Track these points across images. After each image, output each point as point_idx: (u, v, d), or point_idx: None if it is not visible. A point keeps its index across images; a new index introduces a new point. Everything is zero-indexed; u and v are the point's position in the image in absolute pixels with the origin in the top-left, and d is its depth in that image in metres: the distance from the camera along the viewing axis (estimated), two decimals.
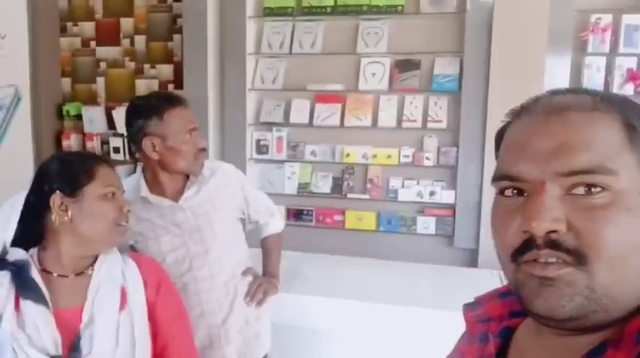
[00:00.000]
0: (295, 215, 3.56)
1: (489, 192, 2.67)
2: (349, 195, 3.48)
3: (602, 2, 3.06)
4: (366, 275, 2.35)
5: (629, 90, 3.02)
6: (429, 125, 3.33)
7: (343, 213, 3.49)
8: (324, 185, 3.54)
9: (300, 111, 3.53)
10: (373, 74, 3.40)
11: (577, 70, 3.10)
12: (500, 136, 0.61)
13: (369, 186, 3.47)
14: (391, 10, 3.30)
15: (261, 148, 3.61)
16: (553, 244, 0.52)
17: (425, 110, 3.35)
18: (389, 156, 3.37)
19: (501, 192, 0.57)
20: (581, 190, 0.52)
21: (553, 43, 3.02)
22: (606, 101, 0.55)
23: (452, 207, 3.33)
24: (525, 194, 0.55)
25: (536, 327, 0.59)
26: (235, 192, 1.78)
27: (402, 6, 3.29)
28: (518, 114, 0.60)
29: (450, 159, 3.31)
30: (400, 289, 2.18)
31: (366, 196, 3.45)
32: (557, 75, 3.05)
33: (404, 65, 3.36)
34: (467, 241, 3.29)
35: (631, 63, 3.01)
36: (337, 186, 3.53)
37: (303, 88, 3.47)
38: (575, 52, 3.07)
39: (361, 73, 3.41)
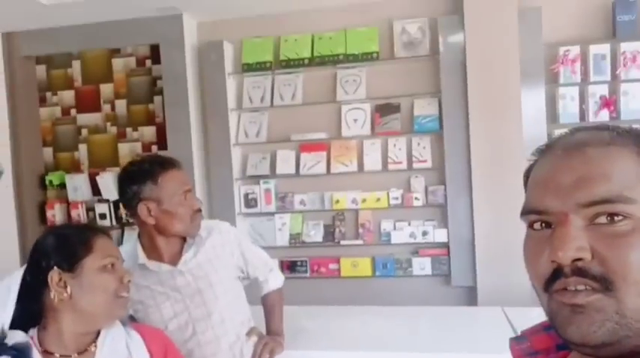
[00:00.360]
0: (289, 266, 3.52)
1: (481, 228, 2.70)
2: (342, 242, 3.46)
3: (568, 35, 3.18)
4: (370, 323, 2.30)
5: (604, 116, 3.10)
6: (415, 165, 3.37)
7: (338, 260, 3.45)
8: (315, 234, 3.52)
9: (286, 162, 3.55)
10: (355, 120, 3.45)
11: (552, 102, 3.19)
12: (527, 174, 0.65)
13: (361, 231, 3.46)
14: (367, 57, 3.39)
15: (250, 202, 3.59)
16: (580, 272, 0.54)
17: (409, 151, 3.39)
18: (378, 200, 3.38)
19: (530, 226, 0.60)
20: (603, 219, 0.54)
21: (526, 77, 3.11)
22: (623, 135, 0.58)
23: (446, 246, 3.32)
24: (552, 226, 0.57)
25: None
26: (233, 250, 1.75)
27: (378, 53, 3.38)
28: (543, 152, 0.63)
29: (439, 198, 3.34)
30: (407, 335, 2.14)
31: (360, 242, 3.43)
32: (533, 107, 3.14)
33: (384, 109, 3.43)
34: (464, 279, 3.27)
35: (603, 90, 3.11)
36: (329, 234, 3.51)
37: (287, 139, 3.50)
38: (548, 84, 3.17)
39: (343, 120, 3.46)
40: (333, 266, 3.47)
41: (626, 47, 3.05)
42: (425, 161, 3.36)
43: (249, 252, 1.81)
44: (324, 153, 3.49)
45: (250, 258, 1.80)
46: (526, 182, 0.64)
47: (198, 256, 1.64)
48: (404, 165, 3.38)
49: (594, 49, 3.10)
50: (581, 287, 0.54)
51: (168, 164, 1.59)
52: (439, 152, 3.36)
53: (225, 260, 1.72)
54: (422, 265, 3.35)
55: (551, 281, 0.56)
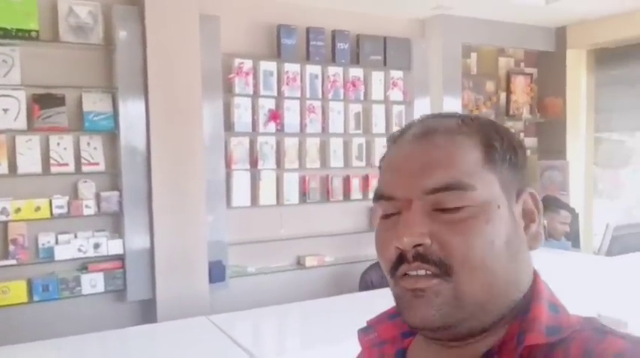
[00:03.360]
0: None
1: (161, 236, 2.59)
2: None
3: (243, 48, 3.35)
4: None
5: (272, 128, 3.39)
6: (84, 168, 2.93)
7: None
8: None
9: None
10: (5, 110, 2.75)
11: (228, 110, 3.29)
12: (382, 161, 0.65)
13: (12, 248, 2.77)
14: (23, 36, 2.76)
15: None
16: (421, 257, 0.55)
17: (77, 152, 2.93)
18: (38, 209, 2.78)
19: (382, 212, 0.61)
20: (444, 206, 0.56)
21: (205, 84, 3.11)
22: (469, 124, 0.60)
23: (121, 258, 2.99)
24: (400, 212, 0.58)
25: (425, 342, 0.62)
26: None
27: (37, 32, 2.79)
28: (395, 139, 0.63)
29: (113, 205, 2.99)
30: None
31: (12, 262, 2.74)
32: (211, 114, 3.17)
33: (45, 100, 2.85)
34: (141, 292, 3.02)
35: (271, 104, 3.40)
36: None
37: None
38: (225, 93, 3.26)
39: None
40: None
41: (289, 67, 3.42)
42: (97, 164, 2.96)
43: None
44: None
45: None
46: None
47: None
48: (71, 168, 2.89)
49: (264, 66, 3.35)
50: (421, 272, 0.55)
51: None
52: (113, 154, 3.02)
53: None
54: (93, 282, 2.92)
55: (396, 267, 0.57)
